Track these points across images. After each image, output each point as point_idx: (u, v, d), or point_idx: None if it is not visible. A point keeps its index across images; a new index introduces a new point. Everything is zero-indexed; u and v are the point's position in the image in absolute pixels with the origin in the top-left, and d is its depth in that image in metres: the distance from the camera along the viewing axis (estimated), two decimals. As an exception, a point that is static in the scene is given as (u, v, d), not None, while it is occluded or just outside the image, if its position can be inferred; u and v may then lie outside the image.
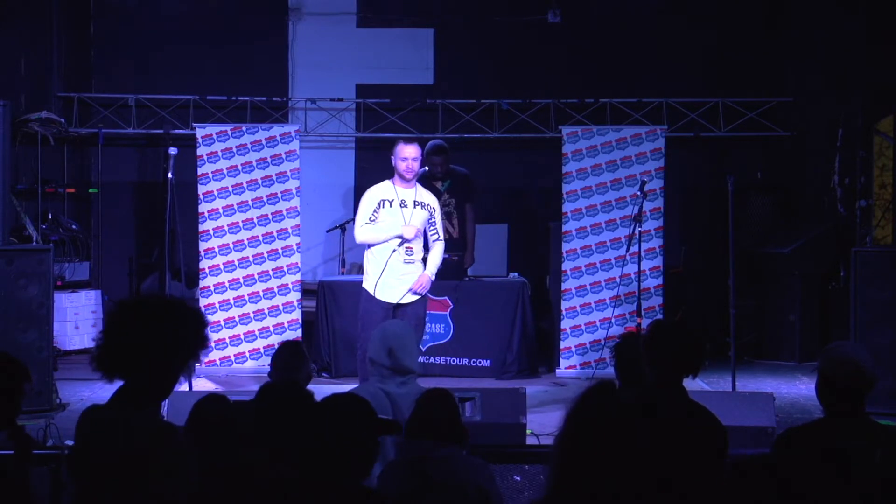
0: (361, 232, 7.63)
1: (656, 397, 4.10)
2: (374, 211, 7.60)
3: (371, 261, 7.66)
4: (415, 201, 7.65)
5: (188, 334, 3.10)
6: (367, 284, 7.64)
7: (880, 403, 7.87)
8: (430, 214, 7.73)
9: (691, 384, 10.18)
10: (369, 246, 7.66)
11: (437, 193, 9.78)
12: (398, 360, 5.15)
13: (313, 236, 11.41)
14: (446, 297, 9.60)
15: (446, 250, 9.59)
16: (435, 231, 7.77)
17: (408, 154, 7.60)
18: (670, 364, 4.19)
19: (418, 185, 7.77)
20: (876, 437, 3.91)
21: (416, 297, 7.63)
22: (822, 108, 11.04)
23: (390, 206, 7.59)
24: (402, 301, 7.60)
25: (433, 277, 7.75)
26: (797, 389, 9.13)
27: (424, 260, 7.74)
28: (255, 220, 9.90)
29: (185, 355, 3.11)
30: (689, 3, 11.61)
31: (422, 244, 7.73)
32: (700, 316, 10.99)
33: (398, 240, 7.55)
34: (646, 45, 11.55)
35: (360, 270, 11.14)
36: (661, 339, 4.25)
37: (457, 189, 9.83)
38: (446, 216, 9.84)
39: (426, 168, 9.78)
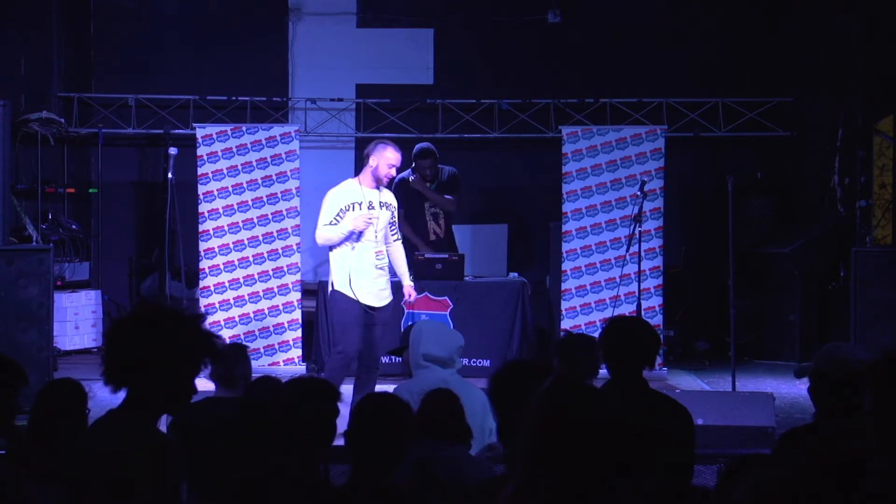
0: (322, 233, 7.53)
1: (619, 391, 4.12)
2: (339, 213, 7.48)
3: (342, 264, 7.51)
4: (381, 202, 7.58)
5: (187, 345, 3.04)
6: (343, 287, 7.49)
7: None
8: (392, 214, 7.68)
9: (692, 384, 10.20)
10: (332, 248, 7.58)
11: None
12: (452, 352, 5.35)
13: (313, 236, 11.39)
14: (446, 297, 9.60)
15: (433, 249, 9.66)
16: (395, 231, 7.74)
17: (396, 161, 7.53)
18: (629, 357, 4.24)
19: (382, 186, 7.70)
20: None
21: (387, 303, 7.63)
22: (822, 108, 11.04)
23: (359, 208, 7.47)
24: (377, 305, 7.58)
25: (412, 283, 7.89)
26: (797, 389, 9.12)
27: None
28: (255, 220, 9.90)
29: (185, 366, 3.04)
30: (689, 3, 11.61)
31: (385, 247, 7.68)
32: (700, 316, 11.00)
33: (369, 247, 7.50)
34: (646, 45, 11.54)
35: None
36: (617, 335, 4.30)
37: (443, 189, 9.82)
38: (433, 217, 9.84)
39: (413, 173, 9.73)
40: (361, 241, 7.50)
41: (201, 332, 3.05)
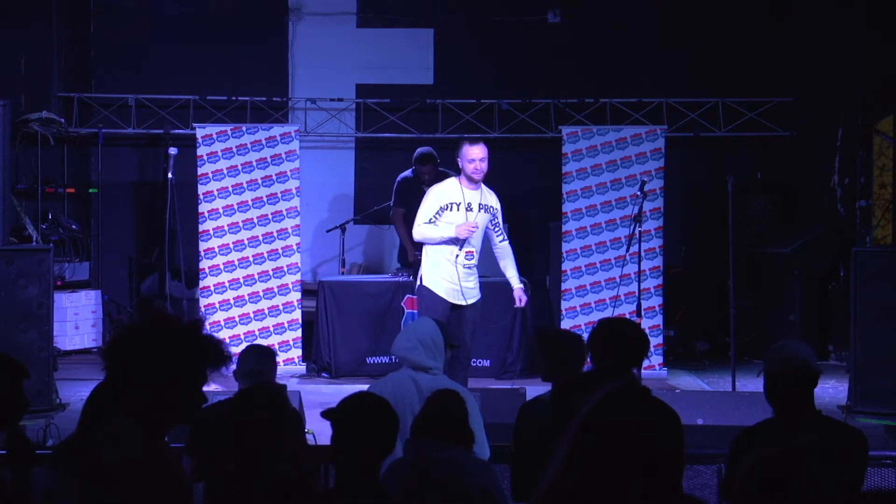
0: (420, 230, 7.57)
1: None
2: (439, 212, 7.52)
3: (432, 262, 7.54)
4: (480, 204, 7.56)
5: (189, 355, 2.99)
6: (431, 284, 7.51)
7: (880, 403, 7.90)
8: (493, 216, 7.67)
9: (692, 384, 10.20)
10: (424, 244, 7.64)
11: None
12: (423, 360, 5.18)
13: (313, 236, 11.41)
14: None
15: None
16: (501, 232, 7.73)
17: (475, 155, 7.47)
18: (618, 358, 4.25)
19: (483, 187, 7.65)
20: (828, 432, 3.92)
21: (474, 301, 7.59)
22: (822, 108, 11.04)
23: (457, 209, 7.52)
24: (464, 304, 7.55)
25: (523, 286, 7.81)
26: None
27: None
28: (255, 220, 9.90)
29: (190, 376, 3.00)
30: (690, 2, 11.61)
31: (480, 248, 7.66)
32: (700, 316, 11.00)
33: (456, 245, 7.50)
34: (646, 45, 11.54)
35: (360, 270, 11.22)
36: (606, 335, 4.31)
37: None
38: None
39: (410, 174, 9.72)
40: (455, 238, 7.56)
41: (203, 338, 3.00)
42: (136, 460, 2.86)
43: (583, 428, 2.49)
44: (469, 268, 7.53)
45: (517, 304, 7.77)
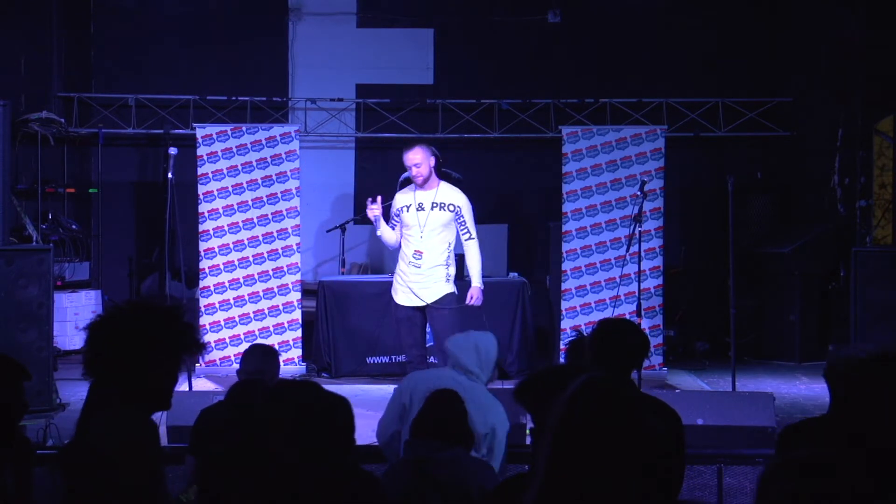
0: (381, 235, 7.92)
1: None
2: (396, 216, 7.82)
3: (397, 267, 7.89)
4: (433, 203, 7.69)
5: (164, 339, 3.00)
6: (393, 291, 7.88)
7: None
8: (457, 214, 7.75)
9: (692, 384, 10.20)
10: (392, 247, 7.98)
11: None
12: (469, 362, 5.30)
13: (313, 236, 11.41)
14: (446, 297, 9.59)
15: None
16: (466, 230, 7.79)
17: (407, 161, 7.74)
18: (618, 359, 4.26)
19: (442, 186, 7.80)
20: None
21: (436, 299, 7.68)
22: (822, 108, 11.04)
23: (408, 210, 7.74)
24: (412, 304, 7.70)
25: (482, 286, 7.83)
26: (797, 389, 9.13)
27: (449, 262, 7.83)
28: (255, 220, 9.90)
29: (165, 360, 3.00)
30: (689, 3, 11.61)
31: (444, 247, 7.74)
32: (700, 316, 11.00)
33: (406, 247, 7.75)
34: (646, 45, 11.55)
35: (360, 270, 11.23)
36: (607, 336, 4.31)
37: None
38: None
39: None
40: (406, 238, 7.75)
41: (180, 324, 3.01)
42: (129, 444, 2.87)
43: (567, 415, 2.47)
44: (418, 267, 7.68)
45: (468, 301, 7.82)
